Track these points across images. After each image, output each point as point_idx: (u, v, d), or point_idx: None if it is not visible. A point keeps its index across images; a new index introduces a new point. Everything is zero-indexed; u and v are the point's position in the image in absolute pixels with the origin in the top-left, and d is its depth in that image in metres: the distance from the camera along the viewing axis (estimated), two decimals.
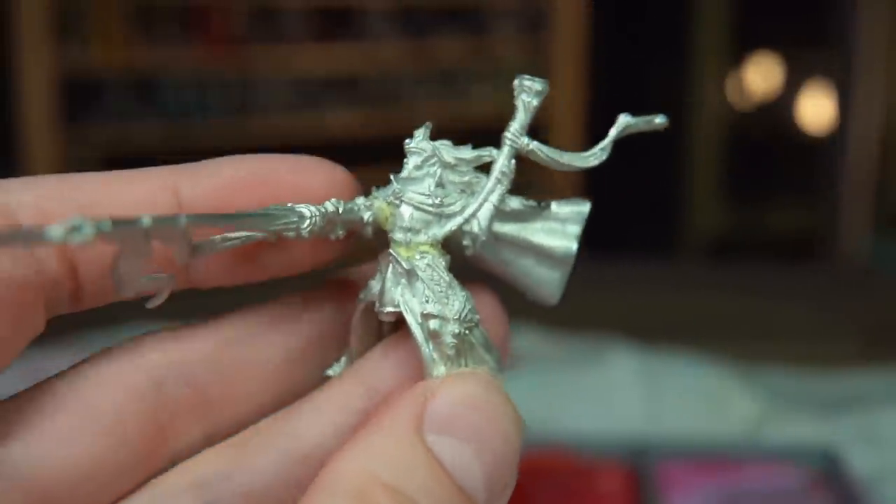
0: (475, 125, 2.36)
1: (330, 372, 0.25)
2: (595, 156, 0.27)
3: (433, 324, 0.22)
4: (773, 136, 2.55)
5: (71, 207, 0.20)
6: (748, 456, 0.76)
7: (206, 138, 2.06)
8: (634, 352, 0.93)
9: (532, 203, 0.27)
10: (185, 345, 0.22)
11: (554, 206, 0.27)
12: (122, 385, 0.21)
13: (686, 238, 2.54)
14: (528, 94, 0.28)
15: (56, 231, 0.16)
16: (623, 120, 0.27)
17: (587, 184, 2.39)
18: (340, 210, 0.23)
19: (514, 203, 0.27)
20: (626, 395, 0.86)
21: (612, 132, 0.27)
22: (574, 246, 0.26)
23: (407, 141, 0.25)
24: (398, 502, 0.18)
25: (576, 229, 0.26)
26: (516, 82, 0.28)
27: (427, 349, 0.22)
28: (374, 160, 2.32)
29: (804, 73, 2.45)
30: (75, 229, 0.16)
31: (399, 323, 0.24)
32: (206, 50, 2.08)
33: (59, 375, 0.21)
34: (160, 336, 0.22)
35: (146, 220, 0.18)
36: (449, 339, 0.22)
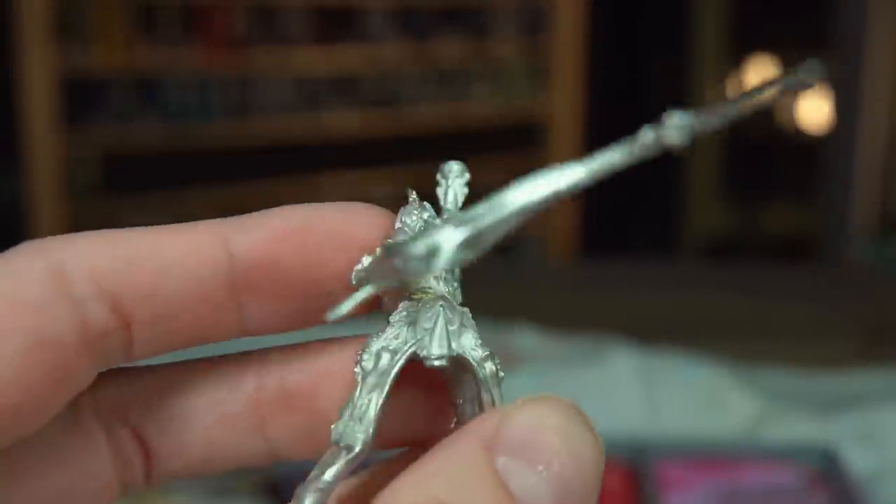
0: (475, 125, 2.36)
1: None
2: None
3: (490, 366, 0.21)
4: (772, 137, 2.55)
5: (120, 262, 0.20)
6: (747, 455, 0.76)
7: (206, 139, 2.06)
8: (634, 351, 0.93)
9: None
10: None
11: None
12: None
13: (685, 238, 2.54)
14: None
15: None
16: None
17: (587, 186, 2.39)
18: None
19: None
20: (625, 394, 0.87)
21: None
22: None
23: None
24: None
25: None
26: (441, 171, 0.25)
27: (489, 392, 0.21)
28: (374, 160, 2.32)
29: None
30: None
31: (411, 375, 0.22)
32: (207, 50, 2.08)
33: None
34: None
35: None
36: (502, 375, 0.22)
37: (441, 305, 0.22)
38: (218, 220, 0.22)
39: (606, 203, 2.42)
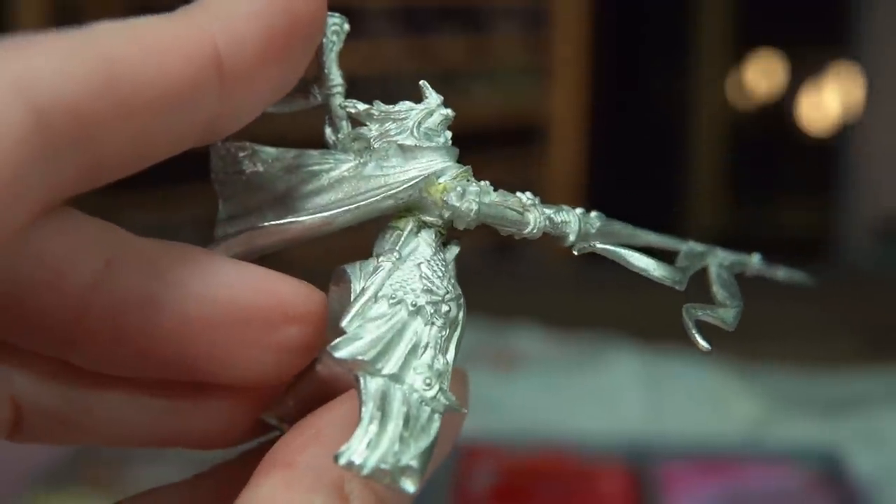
0: (475, 125, 2.36)
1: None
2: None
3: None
4: (776, 136, 2.55)
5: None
6: (749, 457, 0.75)
7: None
8: (636, 352, 0.93)
9: None
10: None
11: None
12: None
13: (686, 236, 2.54)
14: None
15: None
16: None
17: (589, 186, 2.39)
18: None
19: None
20: (627, 395, 0.86)
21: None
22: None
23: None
24: None
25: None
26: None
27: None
28: None
29: (807, 73, 2.45)
30: None
31: None
32: None
33: None
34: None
35: None
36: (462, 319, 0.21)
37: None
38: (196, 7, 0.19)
39: (609, 201, 2.41)
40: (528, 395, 0.85)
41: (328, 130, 0.23)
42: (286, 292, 0.20)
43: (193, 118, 0.19)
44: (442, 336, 0.19)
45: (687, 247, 0.24)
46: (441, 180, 0.21)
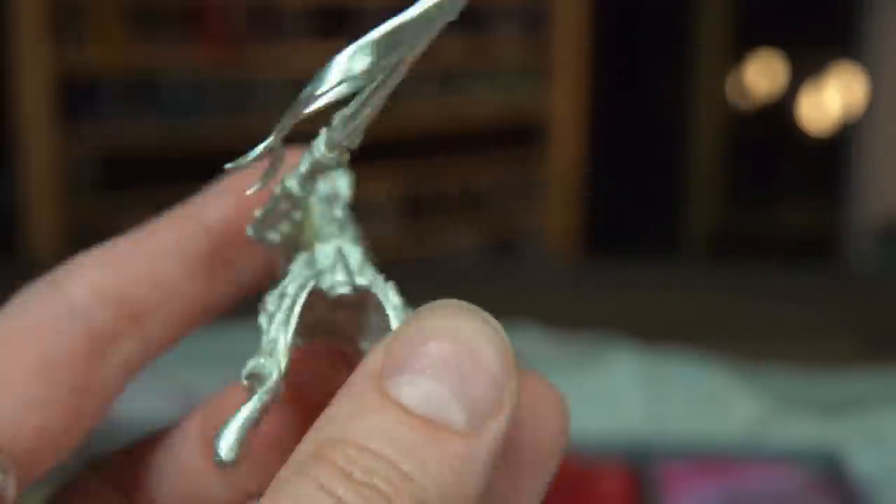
0: (475, 125, 2.36)
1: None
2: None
3: (395, 298, 0.21)
4: (777, 136, 2.54)
5: (111, 270, 0.22)
6: (750, 457, 0.75)
7: (204, 138, 2.06)
8: (635, 352, 0.93)
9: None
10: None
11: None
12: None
13: (687, 238, 2.53)
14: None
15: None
16: None
17: (588, 184, 2.39)
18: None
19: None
20: (627, 395, 0.86)
21: None
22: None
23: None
24: (347, 454, 0.17)
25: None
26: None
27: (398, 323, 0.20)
28: (374, 159, 2.32)
29: (808, 73, 2.45)
30: None
31: None
32: (205, 49, 2.08)
33: None
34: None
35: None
36: (409, 308, 0.21)
37: (336, 245, 0.21)
38: (185, 205, 0.24)
39: (609, 202, 2.41)
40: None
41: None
42: None
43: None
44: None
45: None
46: None
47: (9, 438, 0.20)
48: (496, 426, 0.18)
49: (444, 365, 0.17)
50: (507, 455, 0.19)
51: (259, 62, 2.13)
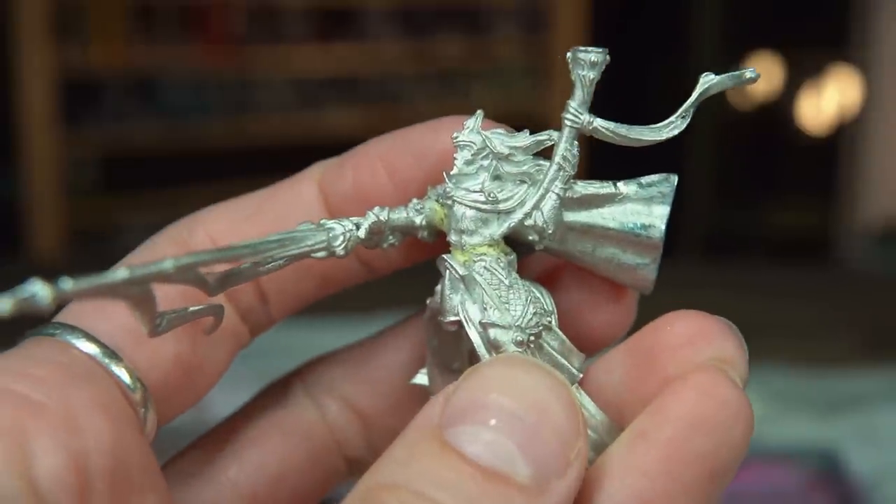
0: None
1: (416, 380, 0.24)
2: (673, 125, 0.24)
3: (493, 333, 0.20)
4: (775, 137, 2.55)
5: (236, 232, 0.24)
6: (748, 456, 0.75)
7: (205, 138, 2.06)
8: None
9: (605, 186, 0.24)
10: (340, 368, 0.26)
11: (633, 187, 0.24)
12: (299, 418, 0.25)
13: (685, 237, 2.54)
14: (583, 66, 0.25)
15: (5, 304, 0.16)
16: (705, 80, 0.24)
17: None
18: (385, 217, 0.22)
19: (584, 188, 0.24)
20: None
21: (694, 95, 0.24)
22: (661, 227, 0.23)
23: (454, 134, 0.23)
24: (402, 499, 0.16)
25: (662, 210, 0.23)
26: (569, 55, 0.25)
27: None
28: None
29: (805, 74, 2.45)
30: (30, 297, 0.16)
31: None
32: (206, 50, 2.08)
33: (255, 406, 0.26)
34: (318, 363, 0.26)
35: (121, 274, 0.17)
36: (512, 349, 0.20)
37: (445, 266, 0.22)
38: (312, 170, 0.25)
39: None
40: None
41: None
42: None
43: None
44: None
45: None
46: None
47: (148, 368, 0.21)
48: (563, 485, 0.17)
49: (509, 418, 0.17)
50: (679, 468, 0.19)
51: (259, 62, 2.13)
